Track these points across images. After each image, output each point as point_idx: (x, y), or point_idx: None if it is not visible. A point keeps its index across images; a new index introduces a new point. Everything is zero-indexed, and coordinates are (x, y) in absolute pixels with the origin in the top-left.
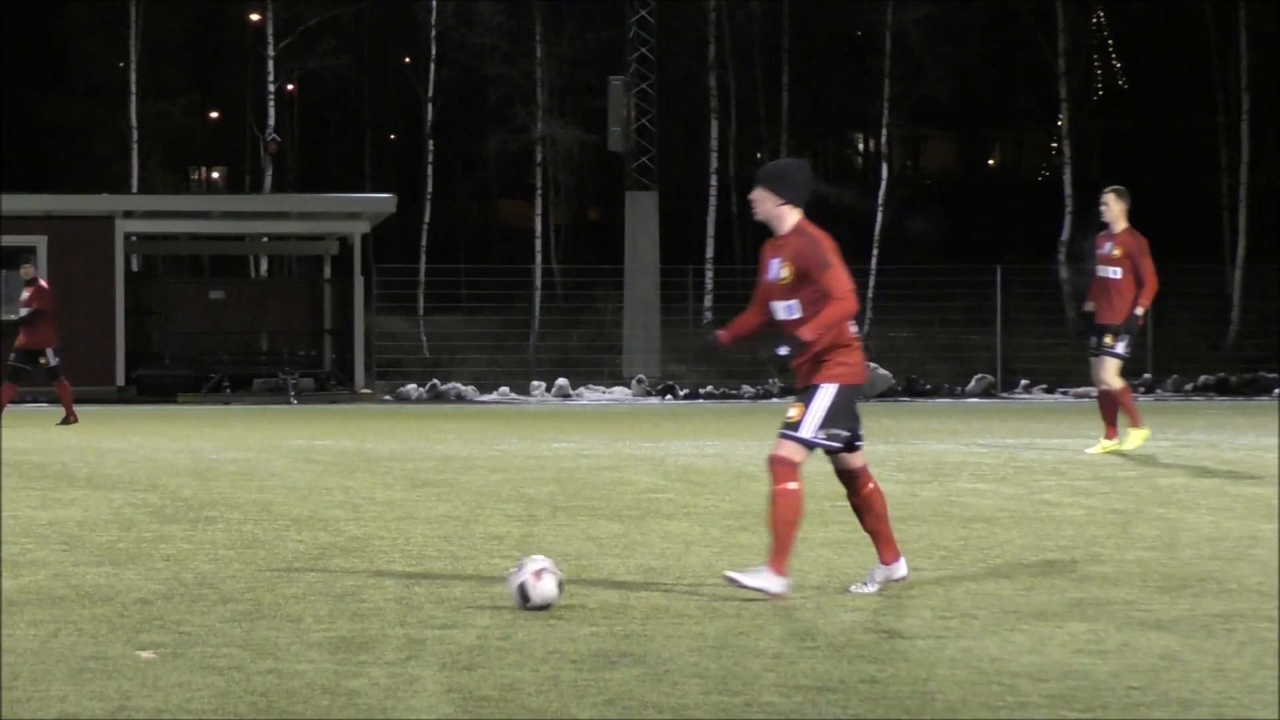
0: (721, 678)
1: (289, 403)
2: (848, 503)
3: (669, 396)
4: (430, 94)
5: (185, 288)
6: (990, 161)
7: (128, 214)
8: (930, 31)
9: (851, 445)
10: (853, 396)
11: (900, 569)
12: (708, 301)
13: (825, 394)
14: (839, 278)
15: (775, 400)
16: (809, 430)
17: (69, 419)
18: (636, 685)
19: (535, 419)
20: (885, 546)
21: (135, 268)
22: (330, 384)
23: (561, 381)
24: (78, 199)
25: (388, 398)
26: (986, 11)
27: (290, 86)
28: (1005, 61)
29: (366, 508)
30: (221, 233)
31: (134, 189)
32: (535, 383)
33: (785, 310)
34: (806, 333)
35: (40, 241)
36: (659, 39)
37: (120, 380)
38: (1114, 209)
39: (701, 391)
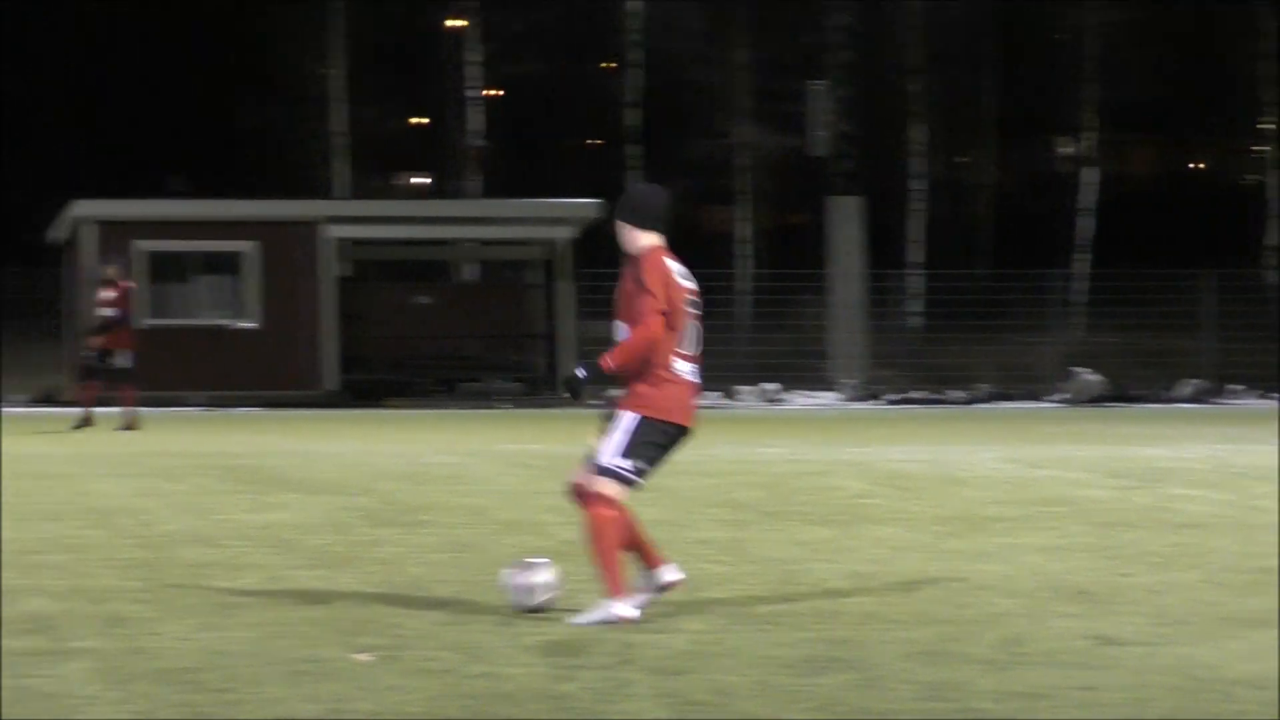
0: (933, 684)
1: (498, 407)
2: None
3: (877, 401)
4: (632, 99)
5: (393, 292)
6: (1192, 165)
7: (336, 219)
8: (1132, 34)
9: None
10: (656, 430)
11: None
12: (915, 306)
13: (625, 422)
14: (646, 306)
15: (984, 406)
16: (604, 457)
17: (131, 426)
18: (847, 691)
19: (743, 424)
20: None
21: (345, 273)
22: (539, 389)
23: (769, 386)
24: (286, 204)
25: (595, 402)
26: (1189, 14)
27: (494, 92)
28: (1208, 65)
29: (577, 512)
30: (428, 238)
31: (341, 195)
32: (742, 387)
33: (618, 332)
34: (605, 358)
35: (250, 247)
36: (860, 42)
37: (332, 384)
38: None
39: (909, 396)
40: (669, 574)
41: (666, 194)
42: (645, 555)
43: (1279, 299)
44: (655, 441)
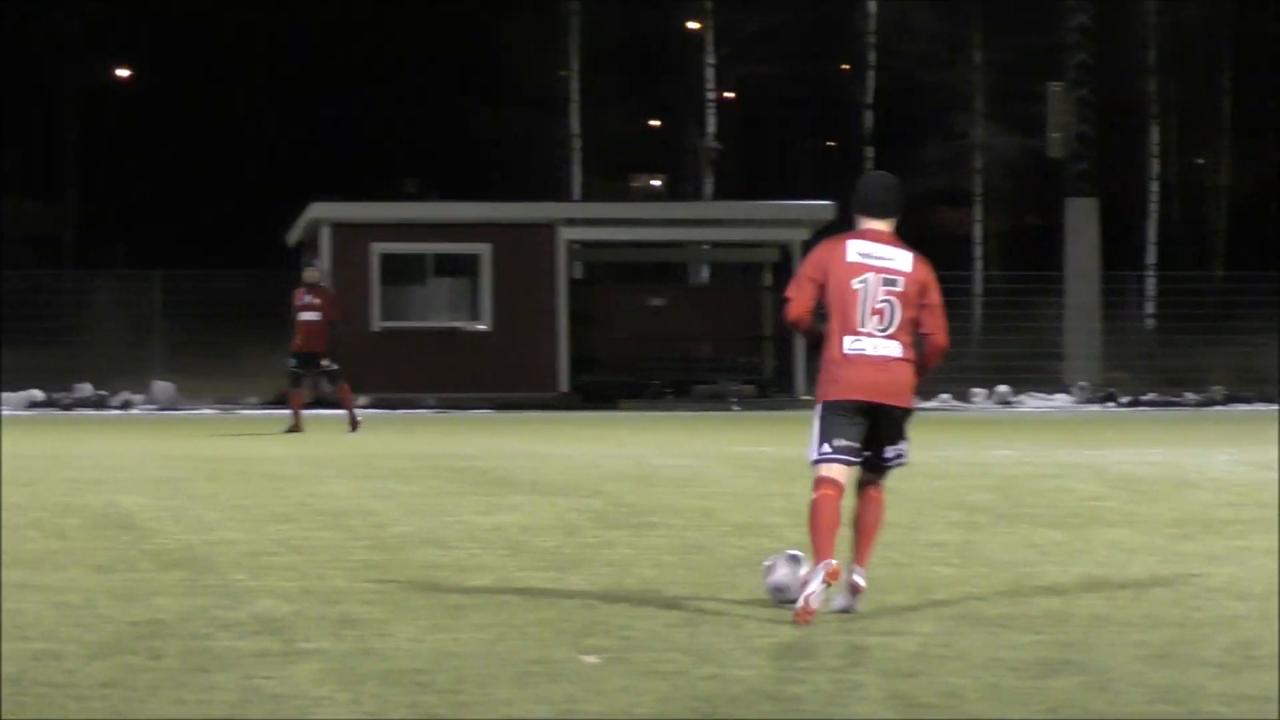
0: (1165, 687)
1: (729, 409)
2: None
3: (1110, 403)
4: (868, 101)
5: (626, 294)
6: None
7: (569, 222)
8: None
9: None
10: (836, 410)
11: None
12: (1149, 308)
13: (815, 413)
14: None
15: (1219, 408)
16: (810, 454)
17: (354, 428)
18: (1078, 694)
19: (976, 426)
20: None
21: (577, 275)
22: (771, 391)
23: (1002, 388)
24: (520, 207)
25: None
26: None
27: (728, 94)
28: None
29: (808, 514)
30: (662, 240)
31: (576, 197)
32: (976, 389)
33: None
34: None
35: (484, 249)
36: (1097, 43)
37: (563, 386)
38: None
39: (1143, 398)
40: (816, 588)
41: (882, 179)
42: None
43: None
44: (841, 420)
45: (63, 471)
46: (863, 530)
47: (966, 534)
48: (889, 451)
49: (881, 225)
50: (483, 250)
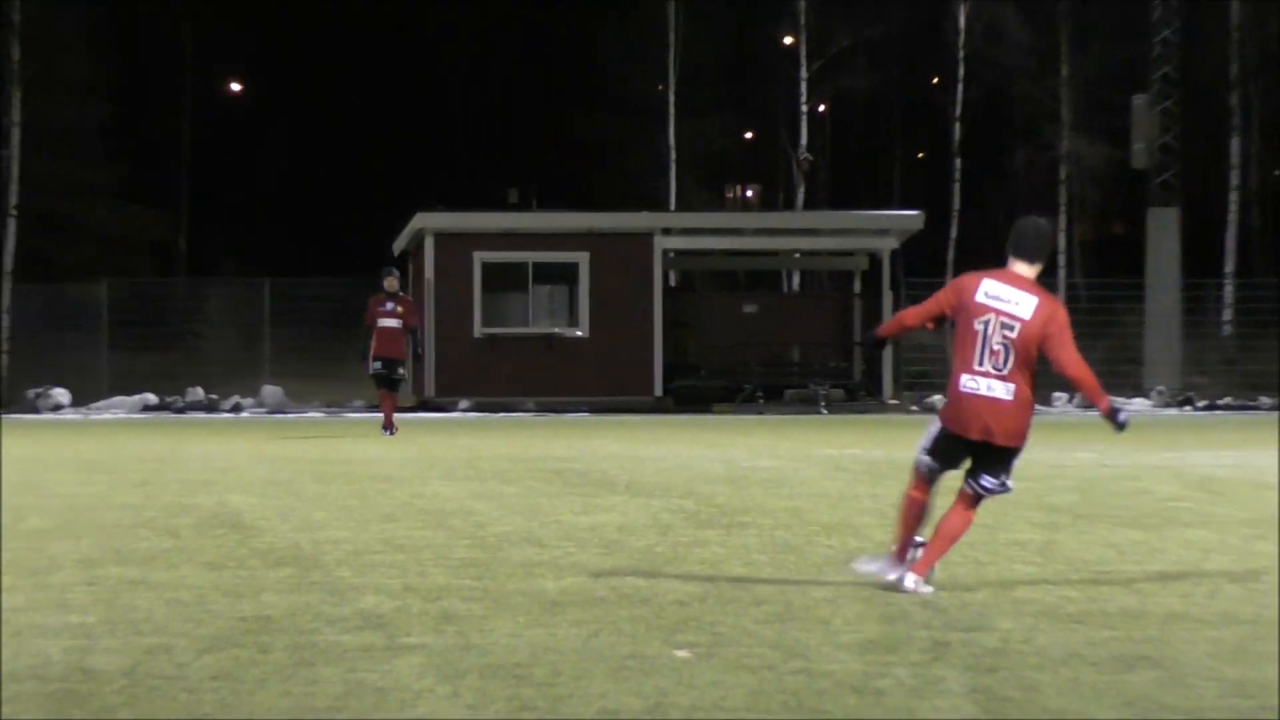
0: (1239, 682)
1: (819, 413)
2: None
3: (1188, 407)
4: (958, 112)
5: (720, 301)
6: None
7: (665, 231)
8: None
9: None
10: (943, 436)
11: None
12: (1227, 315)
13: (932, 425)
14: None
15: None
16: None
17: (388, 429)
18: (1154, 688)
19: (1057, 429)
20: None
21: (672, 282)
22: (859, 395)
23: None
24: (618, 216)
25: (915, 408)
26: None
27: (822, 107)
28: None
29: (895, 515)
30: (755, 249)
31: (671, 206)
32: (1056, 394)
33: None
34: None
35: (582, 258)
36: (1182, 55)
37: (658, 391)
38: None
39: (1219, 403)
40: (894, 571)
41: (1036, 225)
42: (905, 543)
43: None
44: (942, 446)
45: (175, 472)
46: (939, 534)
47: (1047, 534)
48: (988, 481)
49: (1023, 268)
50: (581, 259)
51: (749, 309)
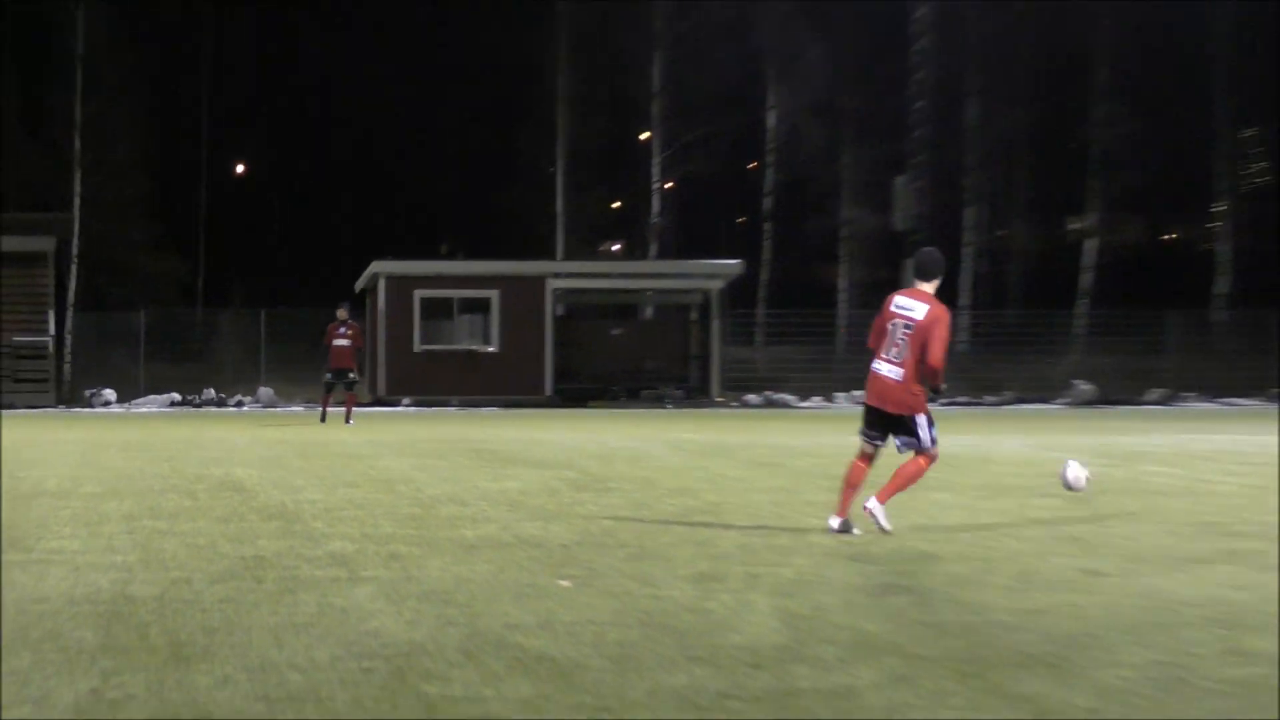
0: (968, 603)
1: (665, 408)
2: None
3: (931, 403)
4: (768, 189)
5: (593, 326)
6: (1165, 237)
7: (555, 275)
8: (1133, 140)
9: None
10: (865, 408)
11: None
12: (963, 336)
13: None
14: None
15: (1009, 407)
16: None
17: (349, 420)
18: (908, 608)
19: (842, 420)
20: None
21: (560, 312)
22: (695, 394)
23: (857, 392)
24: (520, 264)
25: (734, 404)
26: (1171, 120)
27: (669, 185)
28: (1183, 159)
29: (720, 481)
30: (620, 288)
31: (559, 257)
32: (840, 393)
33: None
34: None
35: (495, 294)
36: (931, 147)
37: (549, 391)
38: None
39: (957, 400)
40: (834, 522)
41: (929, 253)
42: (846, 500)
43: (1224, 330)
44: (865, 417)
45: (194, 451)
46: (894, 477)
47: (832, 495)
48: (899, 441)
49: (923, 285)
50: (494, 295)
51: (615, 332)
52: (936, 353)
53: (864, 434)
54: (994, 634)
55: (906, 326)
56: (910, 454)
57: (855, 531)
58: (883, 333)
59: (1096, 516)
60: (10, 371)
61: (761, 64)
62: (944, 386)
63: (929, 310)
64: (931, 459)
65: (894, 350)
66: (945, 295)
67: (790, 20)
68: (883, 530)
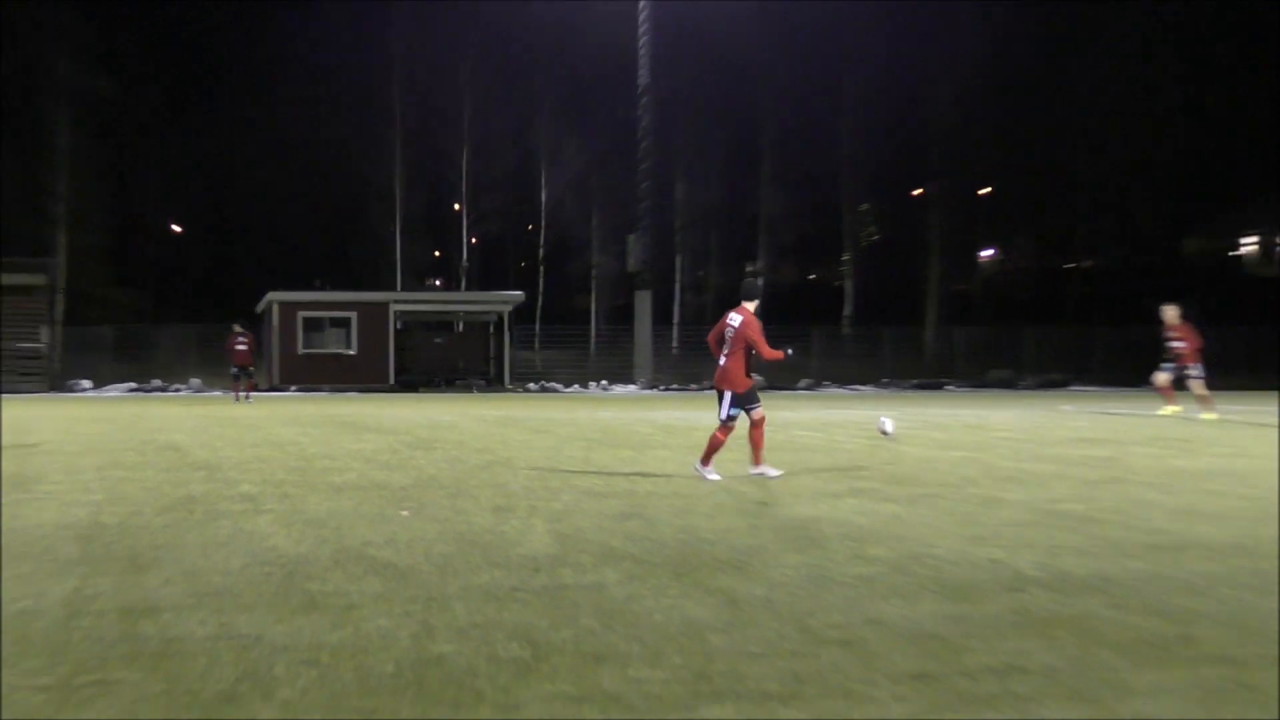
0: (683, 526)
1: (472, 393)
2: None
3: (658, 388)
4: (542, 241)
5: (422, 336)
6: (811, 278)
7: (396, 301)
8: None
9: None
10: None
11: (761, 470)
12: (675, 339)
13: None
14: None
15: (708, 392)
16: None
17: (246, 399)
18: (641, 528)
19: (593, 401)
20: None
21: (399, 326)
22: (492, 384)
23: (606, 381)
24: (371, 294)
25: (520, 390)
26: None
27: (474, 240)
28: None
29: (510, 442)
30: (440, 309)
31: (398, 288)
32: (592, 382)
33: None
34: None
35: (354, 314)
36: (659, 210)
37: (391, 381)
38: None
39: (672, 387)
40: (753, 470)
41: (750, 283)
42: (709, 457)
43: (850, 340)
44: (719, 399)
45: (144, 423)
46: (751, 441)
47: (586, 450)
48: (724, 411)
49: (746, 304)
50: (353, 315)
51: (437, 340)
52: (764, 349)
53: (721, 410)
54: (698, 547)
55: (731, 329)
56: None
57: (715, 477)
58: (722, 336)
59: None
60: (13, 368)
61: (536, 156)
62: (790, 351)
63: (743, 322)
64: (728, 430)
65: (727, 347)
66: (660, 314)
67: (555, 125)
68: (706, 478)
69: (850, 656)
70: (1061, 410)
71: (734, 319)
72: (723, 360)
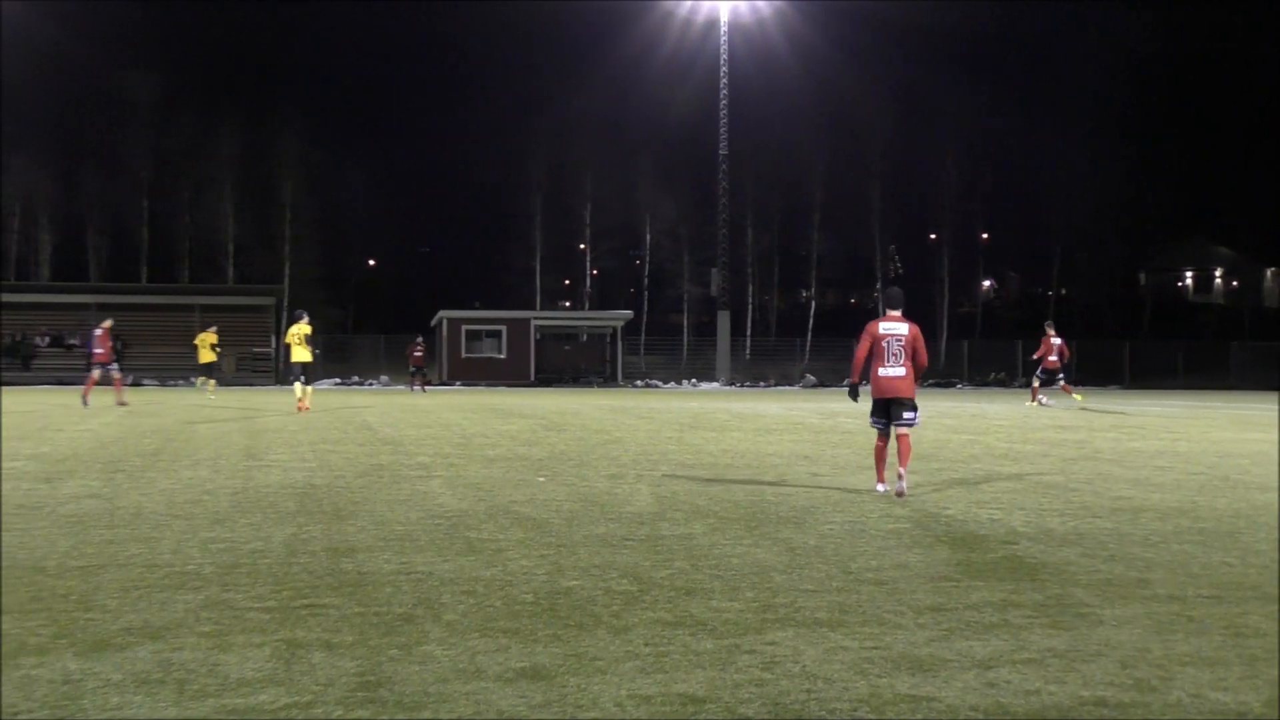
0: (750, 489)
1: (593, 387)
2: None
3: (735, 385)
4: (646, 274)
5: (555, 342)
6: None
7: (536, 318)
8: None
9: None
10: (874, 403)
11: (892, 487)
12: (747, 348)
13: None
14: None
15: (775, 388)
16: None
17: (422, 391)
18: (720, 492)
19: (686, 395)
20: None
21: (538, 336)
22: (608, 381)
23: (695, 379)
24: (517, 312)
25: (633, 386)
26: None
27: (594, 272)
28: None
29: (622, 425)
30: (569, 324)
31: (538, 308)
32: (685, 380)
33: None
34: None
35: (503, 328)
36: (731, 251)
37: (531, 378)
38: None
39: (746, 384)
40: (880, 487)
41: (895, 290)
42: (881, 470)
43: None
44: (876, 410)
45: (345, 410)
46: (901, 453)
47: (680, 433)
48: (906, 415)
49: (894, 312)
50: (503, 328)
51: (567, 347)
52: (925, 356)
53: (874, 420)
54: (765, 506)
55: (898, 339)
56: (906, 430)
57: (882, 488)
58: (879, 346)
59: (816, 444)
60: (250, 367)
61: (641, 209)
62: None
63: (909, 328)
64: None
65: (894, 358)
66: (736, 328)
67: (652, 186)
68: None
69: (883, 592)
70: (1045, 404)
71: (897, 328)
72: (892, 370)
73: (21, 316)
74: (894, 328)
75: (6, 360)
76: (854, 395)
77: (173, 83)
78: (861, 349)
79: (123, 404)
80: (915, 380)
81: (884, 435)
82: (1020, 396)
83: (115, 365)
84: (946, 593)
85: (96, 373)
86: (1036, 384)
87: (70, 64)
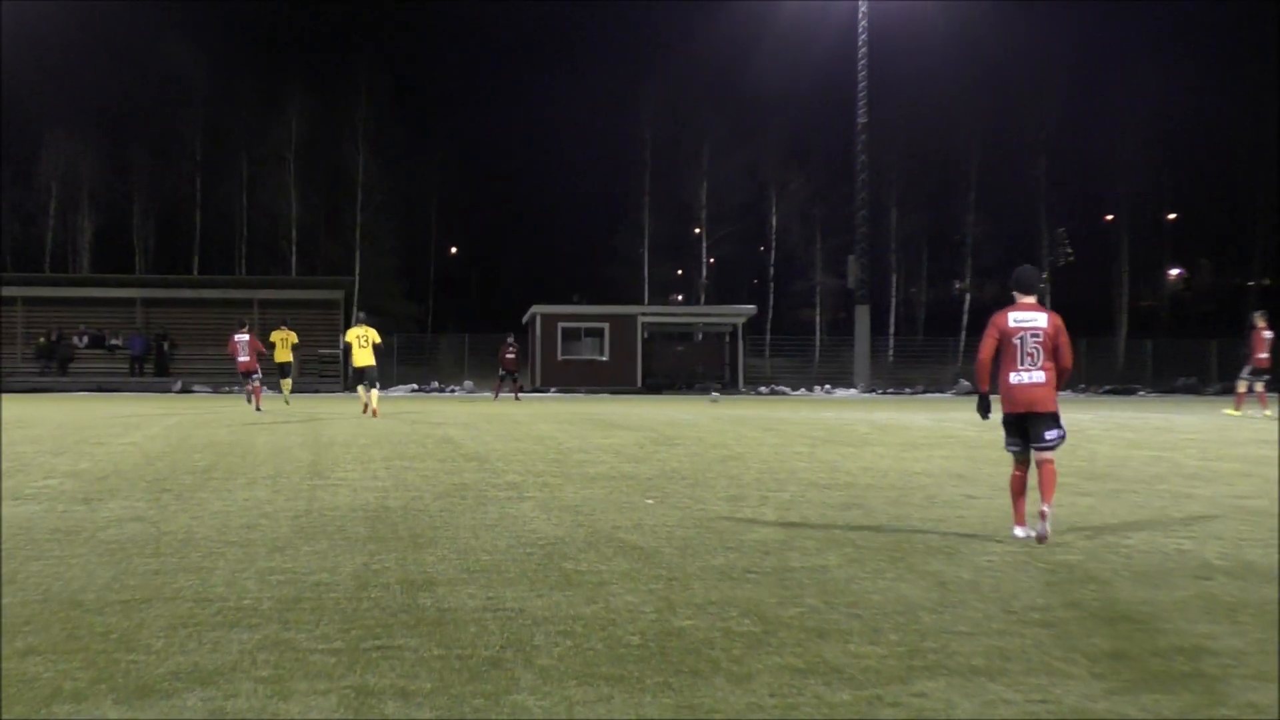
0: (894, 514)
1: (710, 395)
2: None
3: (874, 392)
4: (772, 263)
5: (666, 344)
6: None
7: (643, 314)
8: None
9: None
10: (1006, 419)
11: (1033, 530)
12: (890, 348)
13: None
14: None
15: (921, 395)
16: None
17: (515, 399)
18: (859, 517)
19: (817, 403)
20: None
21: (646, 336)
22: (727, 387)
23: (829, 385)
24: (622, 307)
25: (756, 392)
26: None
27: (711, 260)
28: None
29: (742, 438)
30: (682, 321)
31: (645, 303)
32: (816, 386)
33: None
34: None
35: (606, 325)
36: (870, 237)
37: (638, 384)
38: None
39: (887, 391)
40: (1019, 531)
41: (1029, 270)
42: (1020, 509)
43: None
44: (1010, 429)
45: (423, 419)
46: (1042, 484)
47: (810, 447)
48: (1048, 435)
49: (1029, 298)
50: (606, 325)
51: (679, 348)
52: (1068, 355)
53: (1009, 443)
54: (911, 534)
55: (1035, 336)
56: (1049, 454)
57: (1020, 532)
58: (1009, 344)
59: (971, 460)
60: (317, 370)
61: (766, 187)
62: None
63: (1050, 319)
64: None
65: (1029, 360)
66: (877, 326)
67: (782, 160)
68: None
69: (1051, 636)
70: (1248, 415)
71: (1033, 319)
72: (1027, 375)
73: (58, 313)
74: (1028, 319)
75: (42, 364)
76: (983, 410)
77: (230, 45)
78: (986, 348)
79: (259, 410)
80: (1058, 387)
81: (1022, 462)
82: (1218, 405)
83: (258, 375)
84: (1127, 636)
85: (256, 380)
86: (1243, 388)
87: (115, 26)
